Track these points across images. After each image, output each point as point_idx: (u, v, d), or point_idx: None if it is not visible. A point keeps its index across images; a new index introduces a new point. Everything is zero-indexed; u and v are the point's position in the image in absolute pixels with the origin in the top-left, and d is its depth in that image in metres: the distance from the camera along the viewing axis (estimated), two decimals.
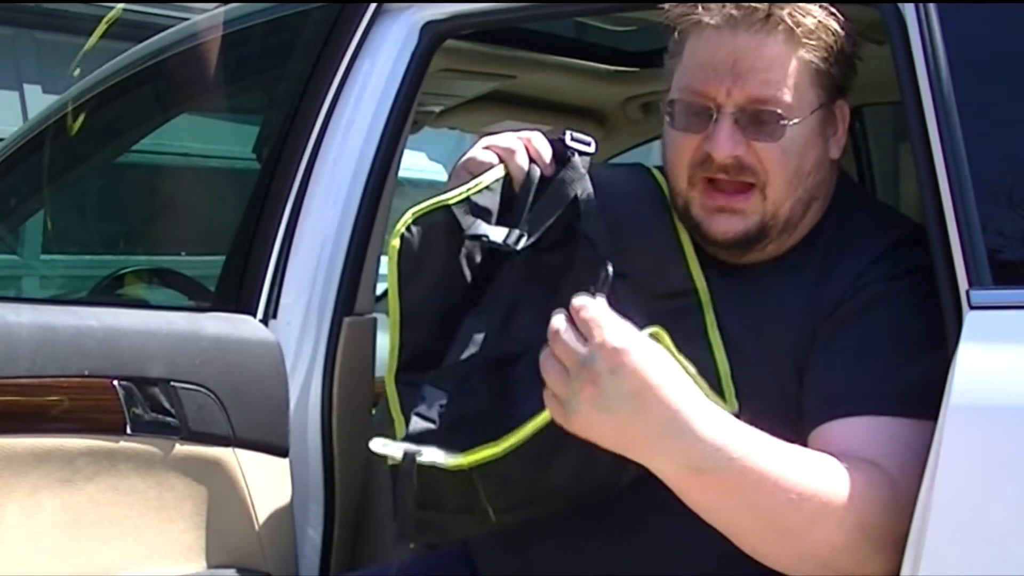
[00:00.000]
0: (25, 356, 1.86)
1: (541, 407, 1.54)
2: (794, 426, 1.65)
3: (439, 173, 5.88)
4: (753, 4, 1.68)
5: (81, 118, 2.81)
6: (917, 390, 1.62)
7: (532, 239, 1.74)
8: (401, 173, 2.36)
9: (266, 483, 2.10)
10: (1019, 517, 1.50)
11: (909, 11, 1.72)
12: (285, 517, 2.12)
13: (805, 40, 1.69)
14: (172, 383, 2.00)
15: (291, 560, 2.14)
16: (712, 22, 1.70)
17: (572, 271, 1.74)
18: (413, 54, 2.24)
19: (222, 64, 2.69)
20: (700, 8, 1.71)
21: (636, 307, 1.62)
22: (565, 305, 1.53)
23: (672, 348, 1.53)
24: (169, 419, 1.99)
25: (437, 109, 2.96)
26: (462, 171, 1.80)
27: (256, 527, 2.08)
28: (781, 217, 1.73)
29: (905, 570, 1.55)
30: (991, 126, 1.68)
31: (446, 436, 1.69)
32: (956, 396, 1.53)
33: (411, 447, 1.65)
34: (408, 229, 1.74)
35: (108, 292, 3.02)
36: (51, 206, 3.87)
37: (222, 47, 2.60)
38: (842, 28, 1.72)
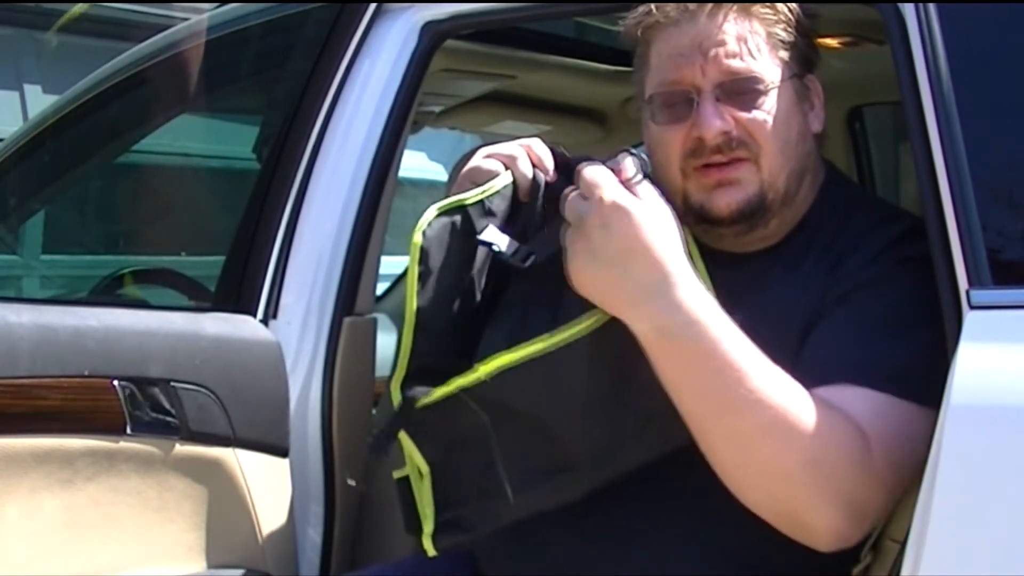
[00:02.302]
0: (25, 356, 1.86)
1: None
2: None
3: (439, 173, 5.87)
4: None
5: (80, 121, 2.81)
6: (900, 369, 1.63)
7: (540, 260, 1.74)
8: (401, 173, 2.36)
9: (266, 483, 2.10)
10: (1019, 517, 1.50)
11: (909, 11, 1.72)
12: (285, 517, 2.12)
13: (760, 13, 1.75)
14: (172, 383, 2.00)
15: (291, 560, 2.14)
16: (670, 19, 1.76)
17: None
18: (413, 54, 2.24)
19: (222, 64, 2.69)
20: (655, 10, 1.76)
21: None
22: (570, 311, 1.62)
23: None
24: (169, 419, 1.99)
25: (437, 109, 2.96)
26: (466, 182, 1.80)
27: (256, 527, 2.09)
28: (780, 188, 1.76)
29: (905, 570, 1.55)
30: (991, 126, 1.68)
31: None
32: (956, 396, 1.53)
33: (411, 392, 1.69)
34: (429, 225, 1.75)
35: (108, 292, 3.02)
36: (51, 206, 3.87)
37: (222, 47, 2.60)
38: (794, 4, 1.78)
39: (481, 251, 1.77)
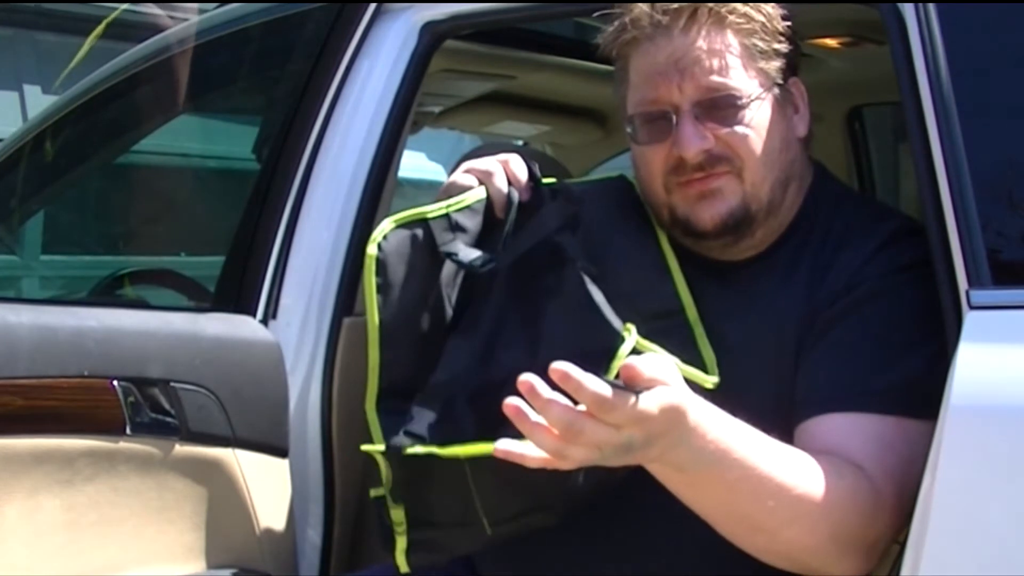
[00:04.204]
0: (25, 357, 1.86)
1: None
2: (791, 428, 1.66)
3: (439, 173, 5.88)
4: (679, 4, 1.72)
5: (80, 121, 2.81)
6: (904, 389, 1.63)
7: (496, 265, 1.73)
8: (401, 173, 2.36)
9: (266, 483, 2.10)
10: (1019, 517, 1.50)
11: (909, 11, 1.72)
12: (285, 517, 2.12)
13: (735, 24, 1.73)
14: (172, 383, 2.00)
15: (291, 560, 2.14)
16: (644, 34, 1.74)
17: (560, 296, 1.72)
18: (413, 54, 2.24)
19: (222, 65, 2.69)
20: (630, 26, 1.75)
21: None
22: (553, 334, 1.62)
23: (645, 343, 1.58)
24: (169, 419, 1.99)
25: (437, 109, 2.96)
26: (443, 196, 1.81)
27: (256, 527, 2.08)
28: (764, 198, 1.75)
29: (905, 570, 1.55)
30: (991, 126, 1.68)
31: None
32: (956, 396, 1.53)
33: (396, 442, 1.66)
34: (385, 238, 1.75)
35: (108, 292, 3.02)
36: (51, 206, 3.87)
37: (222, 47, 2.60)
38: (771, 7, 1.77)
39: (451, 265, 1.77)
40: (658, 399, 1.38)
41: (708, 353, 1.71)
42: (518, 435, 1.55)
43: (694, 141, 1.71)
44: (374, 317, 1.73)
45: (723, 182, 1.73)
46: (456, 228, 1.76)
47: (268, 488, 2.10)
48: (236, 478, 2.06)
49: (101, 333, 1.96)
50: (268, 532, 2.10)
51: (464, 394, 1.70)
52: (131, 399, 1.95)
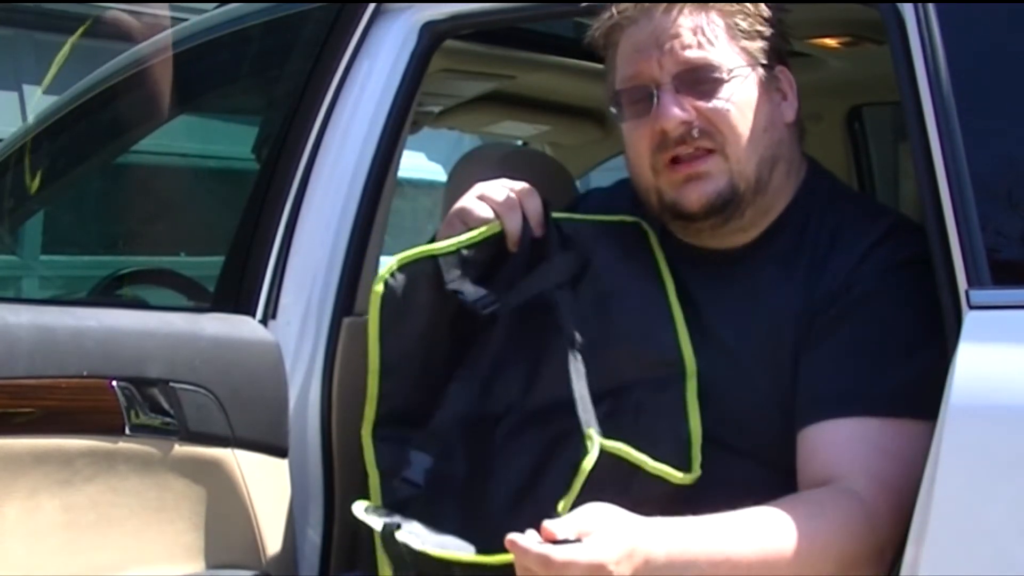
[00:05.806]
0: (24, 357, 1.86)
1: (511, 482, 1.62)
2: (787, 425, 1.66)
3: (438, 173, 5.88)
4: None
5: (79, 121, 2.82)
6: (907, 390, 1.63)
7: (500, 309, 1.74)
8: (401, 173, 2.36)
9: (266, 483, 2.09)
10: (1019, 517, 1.50)
11: (908, 11, 1.72)
12: (285, 517, 2.12)
13: (717, 5, 1.76)
14: (171, 383, 2.00)
15: (291, 560, 2.14)
16: (628, 18, 1.78)
17: (561, 334, 1.73)
18: (412, 54, 2.24)
19: (222, 64, 2.69)
20: (616, 12, 1.80)
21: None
22: (545, 376, 1.65)
23: (620, 448, 1.61)
24: (168, 420, 1.99)
25: (436, 109, 2.96)
26: (455, 220, 1.81)
27: (256, 527, 2.08)
28: (750, 176, 1.76)
29: (905, 570, 1.55)
30: (990, 126, 1.68)
31: (428, 501, 1.71)
32: (956, 396, 1.53)
33: (390, 520, 1.67)
34: (392, 275, 1.75)
35: (107, 293, 3.02)
36: (51, 206, 3.87)
37: (222, 47, 2.60)
38: None
39: (459, 304, 1.78)
40: (604, 541, 1.42)
41: (695, 418, 1.70)
42: (502, 483, 1.62)
43: (673, 111, 1.73)
44: (375, 350, 1.76)
45: (709, 165, 1.75)
46: (465, 263, 1.76)
47: (268, 488, 2.10)
48: (235, 478, 2.06)
49: (101, 333, 1.96)
50: (268, 532, 2.10)
51: (459, 428, 1.72)
52: (130, 399, 1.95)
